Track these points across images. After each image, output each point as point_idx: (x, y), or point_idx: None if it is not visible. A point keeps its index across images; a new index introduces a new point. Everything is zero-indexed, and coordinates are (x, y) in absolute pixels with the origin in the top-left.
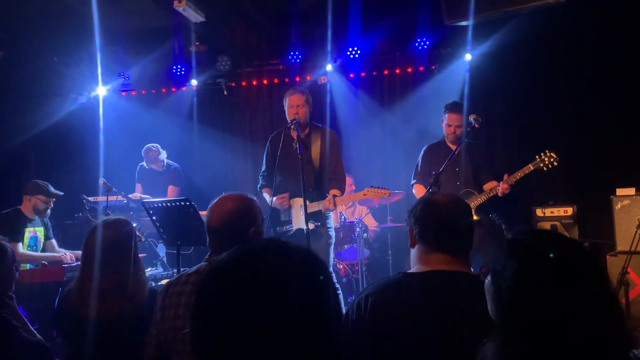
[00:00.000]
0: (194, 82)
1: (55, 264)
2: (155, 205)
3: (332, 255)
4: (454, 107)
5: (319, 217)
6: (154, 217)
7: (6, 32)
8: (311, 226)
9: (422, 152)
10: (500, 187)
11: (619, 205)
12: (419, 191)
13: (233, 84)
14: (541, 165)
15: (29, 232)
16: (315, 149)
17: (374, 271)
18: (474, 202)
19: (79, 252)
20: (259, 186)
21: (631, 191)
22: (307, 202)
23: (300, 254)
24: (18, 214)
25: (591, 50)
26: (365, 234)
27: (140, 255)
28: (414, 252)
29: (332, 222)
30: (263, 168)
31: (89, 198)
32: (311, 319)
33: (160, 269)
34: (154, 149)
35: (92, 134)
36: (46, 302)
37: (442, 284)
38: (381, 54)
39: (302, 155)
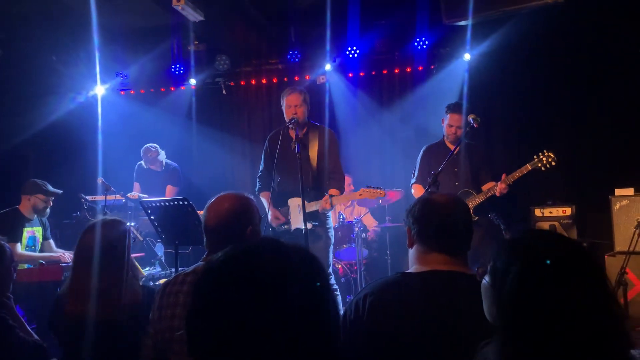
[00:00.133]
0: (192, 81)
1: (53, 264)
2: (154, 204)
3: (331, 256)
4: (456, 108)
5: (318, 218)
6: (152, 217)
7: (5, 31)
8: (309, 226)
9: (421, 152)
10: (498, 187)
11: (617, 206)
12: (417, 191)
13: (232, 84)
14: (539, 165)
15: (27, 232)
16: (314, 149)
17: (372, 271)
18: (472, 202)
19: None
20: (256, 189)
21: (630, 191)
22: (305, 202)
23: (298, 253)
24: (16, 214)
25: (590, 50)
26: (363, 234)
27: (138, 254)
28: (412, 252)
29: (332, 222)
30: (261, 168)
31: (88, 197)
32: (309, 319)
33: (158, 269)
34: (153, 149)
35: (90, 133)
36: (44, 302)
37: (441, 284)
38: (380, 54)
39: (300, 154)
